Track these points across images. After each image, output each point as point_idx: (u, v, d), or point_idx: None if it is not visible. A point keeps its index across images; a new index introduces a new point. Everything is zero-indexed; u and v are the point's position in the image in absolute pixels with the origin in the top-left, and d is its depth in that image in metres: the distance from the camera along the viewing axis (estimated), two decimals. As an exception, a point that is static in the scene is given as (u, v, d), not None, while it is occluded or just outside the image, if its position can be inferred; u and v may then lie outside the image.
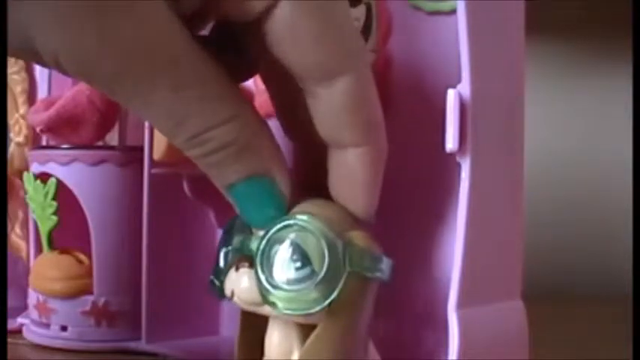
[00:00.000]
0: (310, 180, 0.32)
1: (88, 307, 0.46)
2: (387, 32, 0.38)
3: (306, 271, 0.28)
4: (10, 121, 0.55)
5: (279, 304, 0.28)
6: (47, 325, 0.47)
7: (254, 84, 0.42)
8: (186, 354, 0.45)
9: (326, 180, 0.31)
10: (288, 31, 0.28)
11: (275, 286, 0.28)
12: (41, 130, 0.48)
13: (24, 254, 0.55)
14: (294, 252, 0.28)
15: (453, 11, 0.33)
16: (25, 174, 0.48)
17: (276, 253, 0.29)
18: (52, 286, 0.47)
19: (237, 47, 0.31)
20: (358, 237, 0.29)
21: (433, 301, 0.36)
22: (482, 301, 0.34)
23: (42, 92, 0.53)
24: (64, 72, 0.28)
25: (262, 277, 0.29)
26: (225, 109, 0.28)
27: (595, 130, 0.75)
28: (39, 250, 0.49)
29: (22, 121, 0.55)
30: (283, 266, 0.29)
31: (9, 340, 0.48)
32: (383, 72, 0.37)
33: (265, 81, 0.33)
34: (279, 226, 0.29)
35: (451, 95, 0.32)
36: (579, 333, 0.54)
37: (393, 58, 0.38)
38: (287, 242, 0.29)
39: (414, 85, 0.37)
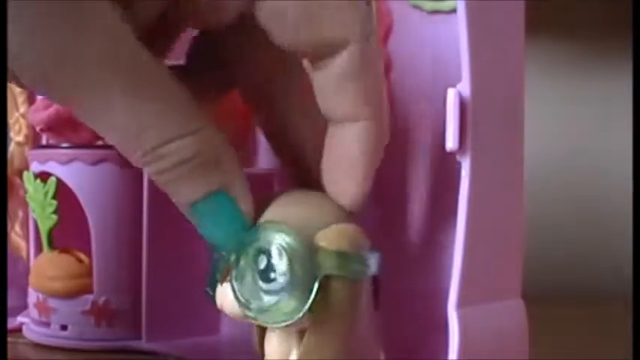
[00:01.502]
0: None
1: (88, 307, 0.46)
2: (387, 32, 0.38)
3: (278, 283, 0.28)
4: (10, 120, 0.55)
5: (256, 316, 0.28)
6: (47, 324, 0.47)
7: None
8: (186, 354, 0.45)
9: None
10: (277, 16, 0.28)
11: (247, 300, 0.28)
12: (41, 130, 0.48)
13: (24, 253, 0.55)
14: (261, 264, 0.28)
15: (453, 11, 0.33)
16: (25, 173, 0.48)
17: (245, 266, 0.28)
18: (52, 285, 0.47)
19: (213, 63, 0.31)
20: (332, 236, 0.29)
21: (433, 300, 0.36)
22: (483, 300, 0.34)
23: (42, 91, 0.53)
24: (18, 82, 0.27)
25: (237, 291, 0.29)
26: (184, 124, 0.28)
27: (595, 130, 0.75)
28: (39, 249, 0.49)
29: (22, 120, 0.55)
30: (253, 279, 0.28)
31: (9, 339, 0.48)
32: (383, 72, 0.37)
33: (252, 108, 0.33)
34: (248, 238, 0.29)
35: (451, 95, 0.32)
36: (579, 333, 0.54)
37: (393, 58, 0.38)
38: (255, 255, 0.28)
39: (414, 85, 0.37)
